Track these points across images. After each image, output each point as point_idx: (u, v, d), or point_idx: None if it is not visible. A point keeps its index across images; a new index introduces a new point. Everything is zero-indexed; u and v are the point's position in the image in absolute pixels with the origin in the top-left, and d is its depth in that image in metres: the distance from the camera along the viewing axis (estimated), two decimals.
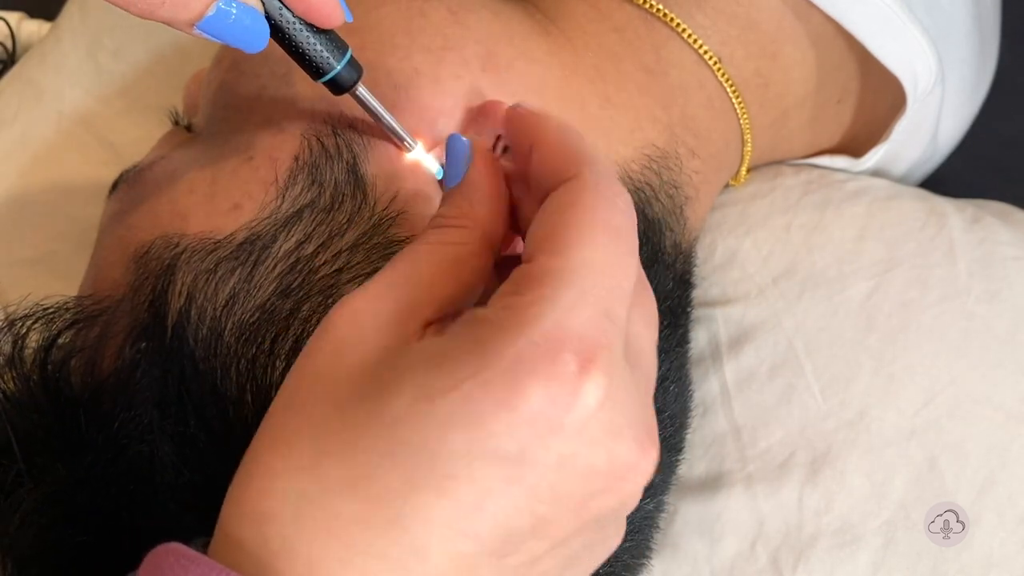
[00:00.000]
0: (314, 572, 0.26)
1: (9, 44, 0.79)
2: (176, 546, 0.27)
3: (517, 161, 0.33)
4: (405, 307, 0.29)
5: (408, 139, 0.39)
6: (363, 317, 0.29)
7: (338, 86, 0.35)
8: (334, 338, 0.29)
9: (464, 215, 0.32)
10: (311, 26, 0.33)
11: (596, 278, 0.27)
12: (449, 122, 0.40)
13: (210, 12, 0.31)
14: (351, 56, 0.35)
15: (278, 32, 0.33)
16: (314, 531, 0.26)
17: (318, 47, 0.34)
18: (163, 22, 0.31)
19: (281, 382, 0.35)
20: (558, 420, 0.25)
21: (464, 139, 0.33)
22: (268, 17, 0.33)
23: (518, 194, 0.33)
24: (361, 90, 0.36)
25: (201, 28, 0.31)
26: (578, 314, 0.26)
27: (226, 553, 0.27)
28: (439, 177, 0.40)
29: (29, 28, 0.80)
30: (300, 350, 0.36)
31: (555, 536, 0.27)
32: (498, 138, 0.39)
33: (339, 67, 0.35)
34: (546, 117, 0.32)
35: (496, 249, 0.32)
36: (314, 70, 0.35)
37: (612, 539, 0.30)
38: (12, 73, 0.71)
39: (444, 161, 0.38)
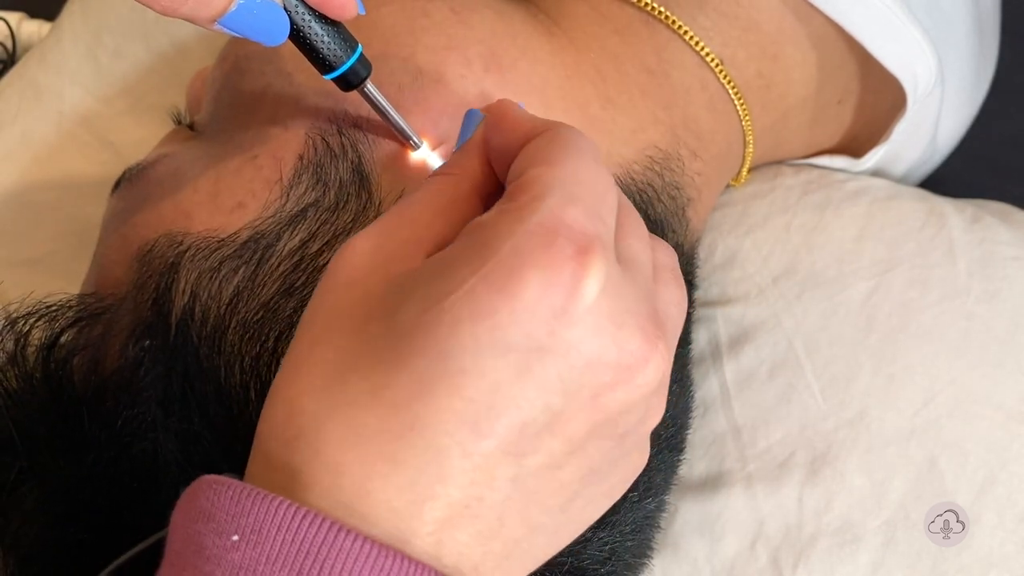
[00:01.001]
0: (339, 481, 0.27)
1: (9, 44, 0.79)
2: (209, 476, 0.28)
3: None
4: (406, 242, 0.30)
5: (414, 138, 0.39)
6: (365, 256, 0.30)
7: (347, 82, 0.36)
8: (342, 275, 0.30)
9: (454, 164, 0.33)
10: (323, 21, 0.34)
11: (585, 185, 0.28)
12: (453, 122, 0.40)
13: (232, 8, 0.31)
14: (361, 53, 0.35)
15: (290, 26, 0.33)
16: (339, 442, 0.27)
17: (329, 42, 0.34)
18: (184, 19, 0.31)
19: None
20: (560, 305, 0.26)
21: (479, 112, 0.34)
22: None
23: None
24: (369, 87, 0.36)
25: (222, 24, 0.31)
26: (571, 208, 0.27)
27: (261, 474, 0.28)
28: None
29: (29, 28, 0.80)
30: None
31: (571, 434, 0.28)
32: None
33: (349, 63, 0.35)
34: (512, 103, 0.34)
35: (484, 197, 0.33)
36: (324, 65, 0.35)
37: (633, 456, 0.31)
38: (12, 73, 0.71)
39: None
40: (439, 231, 0.31)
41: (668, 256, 0.33)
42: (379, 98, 0.37)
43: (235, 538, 0.26)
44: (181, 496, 0.29)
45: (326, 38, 0.34)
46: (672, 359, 0.30)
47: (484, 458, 0.27)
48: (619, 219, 0.30)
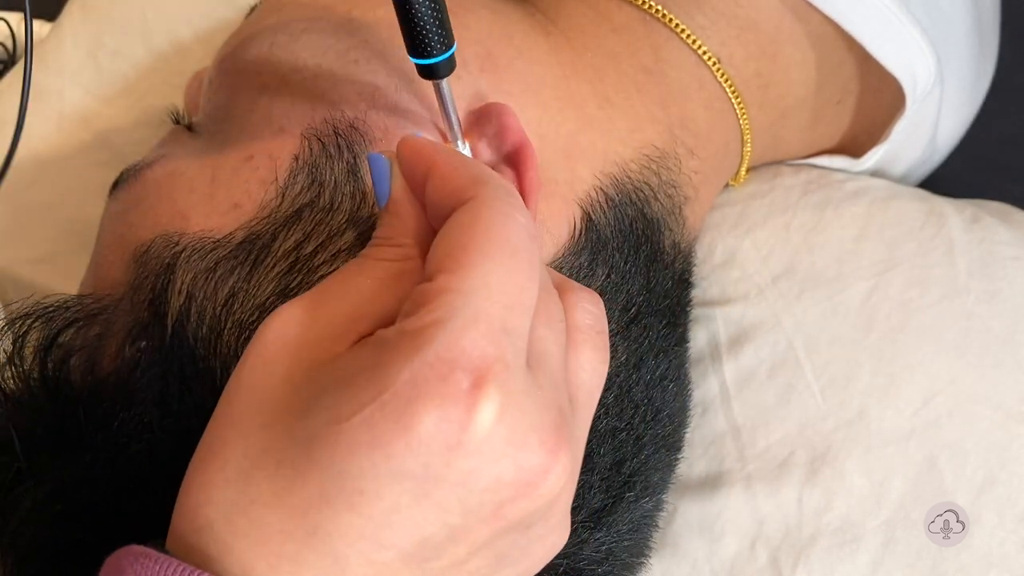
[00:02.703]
0: (246, 572, 0.28)
1: (9, 44, 0.79)
2: (134, 547, 0.29)
3: (414, 190, 0.33)
4: (341, 318, 0.30)
5: (460, 143, 0.39)
6: (291, 330, 0.30)
7: (432, 72, 0.36)
8: (263, 351, 0.30)
9: (397, 232, 0.32)
10: (436, 11, 0.34)
11: (494, 296, 0.28)
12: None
13: None
14: (454, 52, 0.36)
15: (409, 4, 0.34)
16: (246, 539, 0.28)
17: (435, 30, 0.35)
18: None
19: None
20: (455, 438, 0.26)
21: (383, 158, 0.34)
22: None
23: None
24: (444, 83, 0.37)
25: None
26: (471, 333, 0.27)
27: (178, 551, 0.29)
28: None
29: None
30: None
31: (474, 540, 0.28)
32: (508, 154, 0.40)
33: (447, 55, 0.36)
34: (440, 144, 0.33)
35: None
36: (420, 50, 0.35)
37: (549, 536, 0.31)
38: (12, 73, 0.71)
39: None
40: (384, 307, 0.31)
41: (589, 314, 0.33)
42: (447, 96, 0.37)
43: None
44: (105, 563, 0.29)
45: (434, 26, 0.35)
46: (579, 457, 0.30)
47: (385, 565, 0.28)
48: (536, 304, 0.30)
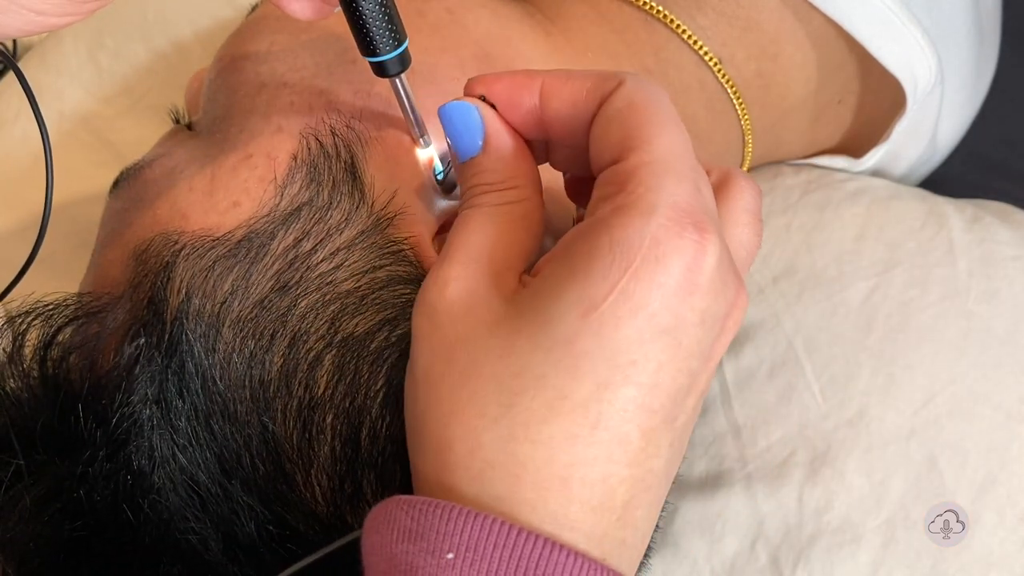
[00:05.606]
0: (543, 496, 0.29)
1: (9, 44, 0.79)
2: (404, 496, 0.30)
3: (516, 121, 0.35)
4: (500, 267, 0.32)
5: (424, 138, 0.39)
6: (468, 281, 0.32)
7: (382, 70, 0.36)
8: (455, 304, 0.32)
9: (512, 176, 0.34)
10: (382, 10, 0.34)
11: (681, 161, 0.30)
12: (438, 122, 0.40)
13: None
14: (406, 47, 0.36)
15: (353, 4, 0.34)
16: (532, 462, 0.29)
17: (380, 29, 0.35)
18: None
19: (277, 377, 0.36)
20: (694, 282, 0.29)
21: (466, 104, 0.35)
22: None
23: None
24: (401, 78, 0.37)
25: None
26: (683, 191, 0.30)
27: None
28: (440, 178, 0.40)
29: None
30: (297, 346, 0.36)
31: (700, 387, 0.31)
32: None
33: (396, 52, 0.36)
34: (533, 71, 0.34)
35: (541, 197, 0.35)
36: (367, 47, 0.35)
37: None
38: (12, 73, 0.71)
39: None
40: (527, 247, 0.33)
41: (754, 200, 0.35)
42: (404, 93, 0.37)
43: (450, 556, 0.28)
44: (371, 515, 0.30)
45: (380, 23, 0.35)
46: None
47: (654, 432, 0.30)
48: None
